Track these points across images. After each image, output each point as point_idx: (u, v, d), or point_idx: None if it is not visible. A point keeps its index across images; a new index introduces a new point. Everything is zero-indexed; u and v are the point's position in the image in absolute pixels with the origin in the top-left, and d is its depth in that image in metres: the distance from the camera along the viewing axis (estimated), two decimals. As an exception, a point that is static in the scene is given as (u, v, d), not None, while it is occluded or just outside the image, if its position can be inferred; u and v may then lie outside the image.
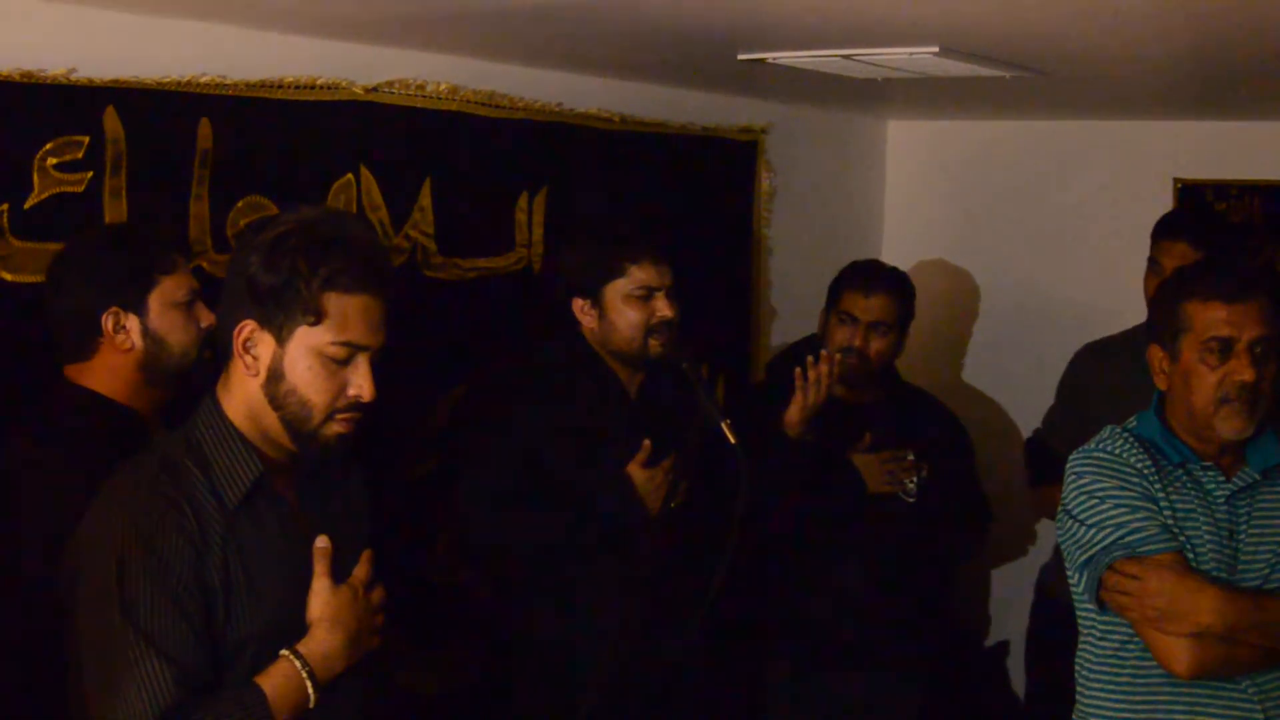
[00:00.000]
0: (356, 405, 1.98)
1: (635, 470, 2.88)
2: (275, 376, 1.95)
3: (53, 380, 2.38)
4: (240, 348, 1.95)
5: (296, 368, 1.94)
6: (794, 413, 3.19)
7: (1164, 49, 2.89)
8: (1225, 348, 2.37)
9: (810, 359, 3.20)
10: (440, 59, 3.27)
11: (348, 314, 1.94)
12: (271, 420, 1.97)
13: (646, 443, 2.87)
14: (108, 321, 2.32)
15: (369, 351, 1.97)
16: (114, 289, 2.32)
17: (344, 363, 1.96)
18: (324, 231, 1.94)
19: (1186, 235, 3.50)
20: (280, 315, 1.93)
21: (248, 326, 1.95)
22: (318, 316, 1.92)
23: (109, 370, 2.33)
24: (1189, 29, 2.62)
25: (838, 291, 3.57)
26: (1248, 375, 2.35)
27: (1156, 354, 2.47)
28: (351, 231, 1.99)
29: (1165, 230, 3.60)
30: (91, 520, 1.92)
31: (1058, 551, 3.82)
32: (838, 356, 3.27)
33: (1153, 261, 3.59)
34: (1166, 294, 2.49)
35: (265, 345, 1.95)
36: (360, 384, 1.96)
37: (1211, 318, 2.38)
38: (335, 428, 1.98)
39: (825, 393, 3.20)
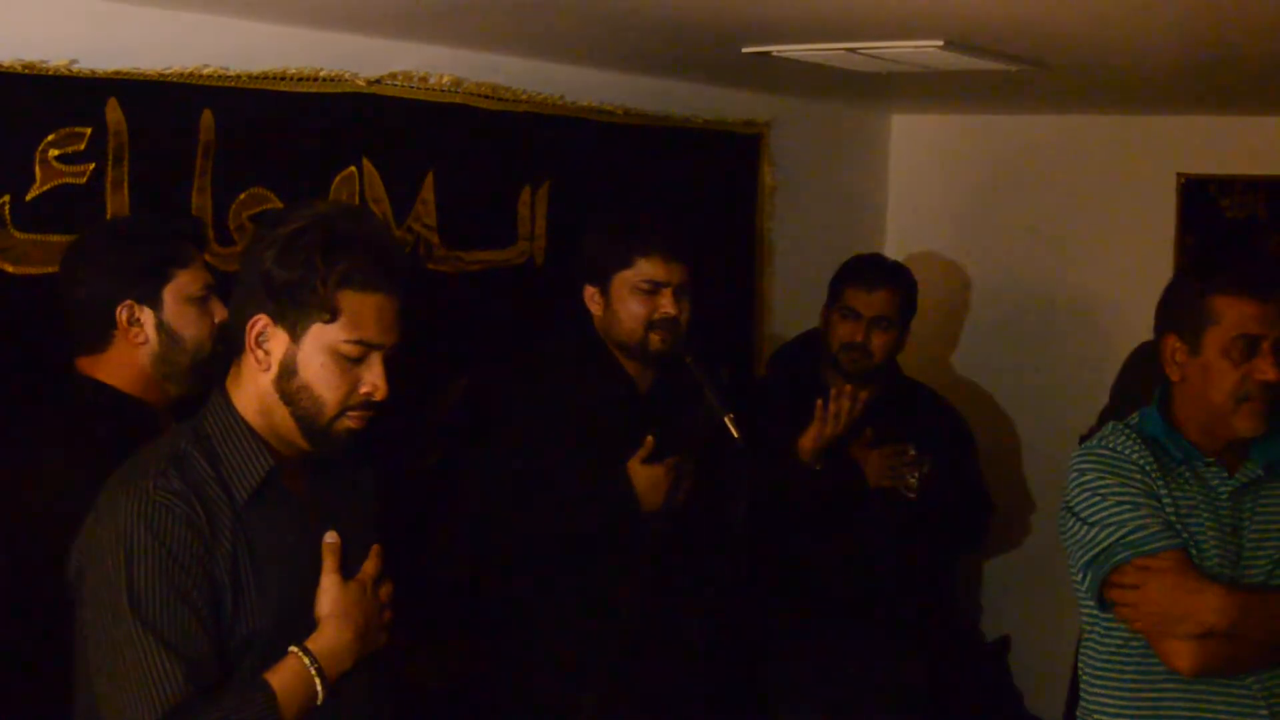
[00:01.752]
0: (369, 403, 1.97)
1: (635, 466, 2.87)
2: (288, 372, 1.94)
3: (59, 372, 2.37)
4: (252, 342, 1.95)
5: (310, 364, 1.93)
6: (809, 441, 3.22)
7: (1168, 43, 2.88)
8: (1251, 345, 2.34)
9: (834, 391, 3.20)
10: (443, 51, 3.26)
11: (362, 312, 1.93)
12: (283, 415, 1.96)
13: (649, 439, 2.87)
14: (122, 314, 2.30)
15: (383, 350, 1.97)
16: (129, 282, 2.31)
17: (357, 361, 1.95)
18: (341, 228, 1.94)
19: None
20: (295, 311, 1.92)
21: (260, 321, 1.94)
22: (333, 314, 1.91)
23: (122, 363, 2.32)
24: (1194, 23, 2.62)
25: (840, 286, 3.56)
26: (1271, 375, 2.32)
27: (1171, 344, 2.42)
28: (368, 229, 1.99)
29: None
30: (98, 514, 1.91)
31: None
32: (862, 395, 3.26)
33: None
34: (1188, 285, 2.44)
35: (278, 341, 1.94)
36: (373, 382, 1.96)
37: (1242, 313, 2.34)
38: (346, 423, 1.97)
39: (843, 428, 3.22)
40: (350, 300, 1.92)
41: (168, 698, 1.80)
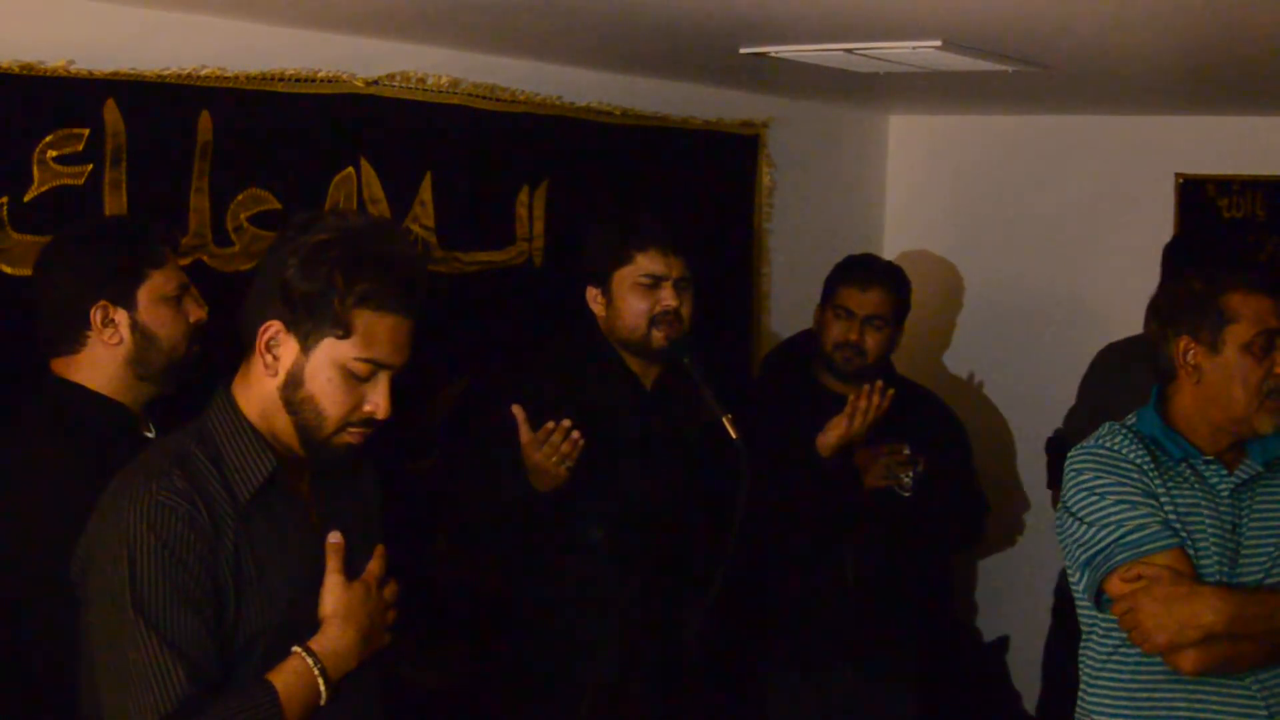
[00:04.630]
0: (370, 421, 1.97)
1: (525, 440, 2.79)
2: (294, 381, 1.94)
3: (42, 373, 2.36)
4: (263, 346, 1.94)
5: (317, 377, 1.93)
6: (833, 437, 3.23)
7: (1167, 44, 2.89)
8: (1270, 341, 2.36)
9: (866, 388, 3.20)
10: (441, 52, 3.26)
11: (376, 332, 1.92)
12: (284, 422, 1.96)
13: (516, 408, 2.79)
14: (96, 315, 2.29)
15: (391, 370, 1.97)
16: (102, 283, 2.29)
17: (364, 379, 1.95)
18: (367, 246, 1.93)
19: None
20: (309, 323, 1.91)
21: (273, 327, 1.93)
22: (346, 331, 1.91)
23: (96, 364, 2.31)
24: (1192, 24, 2.62)
25: (833, 286, 3.56)
26: None
27: (1184, 345, 2.42)
28: (394, 249, 1.98)
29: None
30: (102, 513, 1.91)
31: None
32: (891, 391, 3.25)
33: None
34: (1192, 285, 2.45)
35: (288, 348, 1.93)
36: (377, 401, 1.96)
37: (1260, 309, 2.37)
38: (345, 438, 1.97)
39: (869, 426, 3.21)
40: (366, 319, 1.91)
41: (170, 698, 1.80)
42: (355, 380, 1.94)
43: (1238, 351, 2.37)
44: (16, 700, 2.20)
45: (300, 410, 1.94)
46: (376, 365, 1.94)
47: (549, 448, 2.74)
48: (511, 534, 2.95)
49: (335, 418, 1.95)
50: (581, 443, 2.75)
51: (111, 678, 1.83)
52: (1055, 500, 3.82)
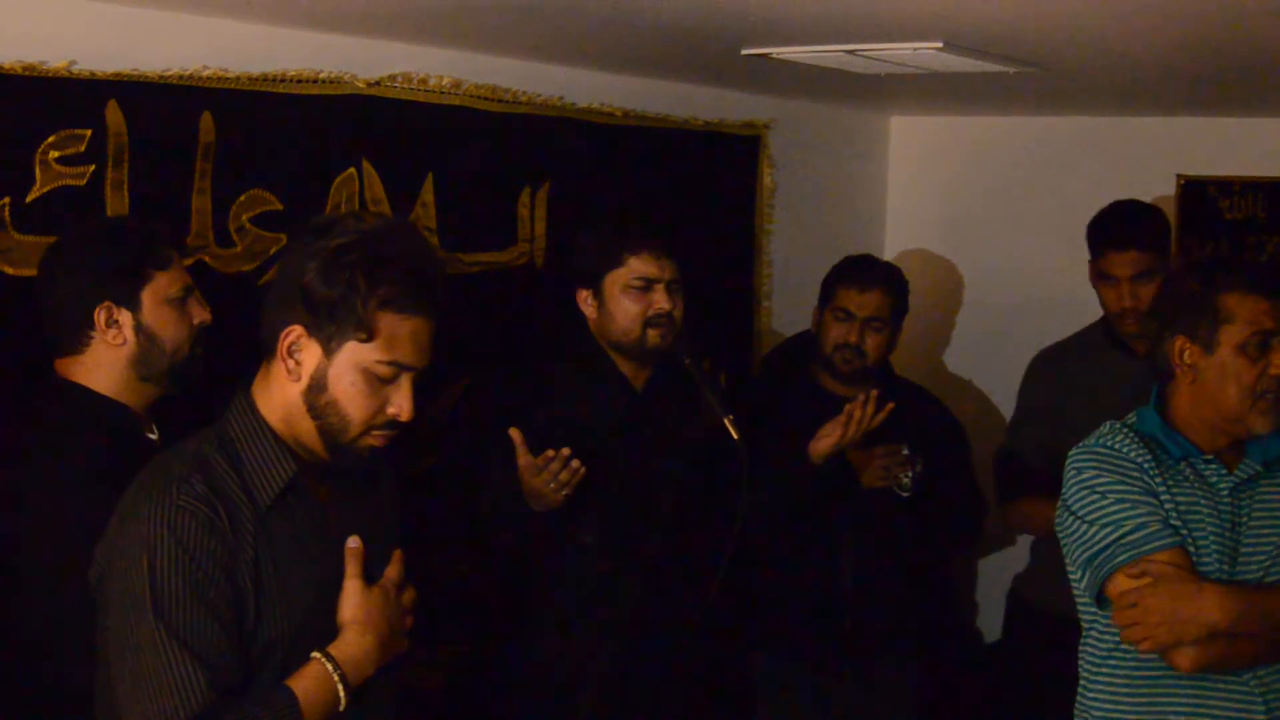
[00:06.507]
0: (393, 423, 1.97)
1: (522, 464, 2.79)
2: (318, 386, 1.93)
3: (43, 374, 2.36)
4: (284, 351, 1.94)
5: (340, 381, 1.93)
6: (826, 445, 3.19)
7: (1168, 45, 2.89)
8: (1265, 341, 2.36)
9: (862, 397, 3.19)
10: (443, 53, 3.27)
11: (399, 335, 1.92)
12: (307, 427, 1.96)
13: (513, 432, 2.79)
14: (100, 316, 2.29)
15: (414, 372, 1.96)
16: (107, 283, 2.30)
17: (387, 381, 1.95)
18: (387, 248, 1.92)
19: (1137, 245, 3.41)
20: (331, 327, 1.91)
21: (295, 331, 1.93)
22: (370, 334, 1.91)
23: (100, 365, 2.31)
24: (1193, 25, 2.62)
25: (832, 287, 3.56)
26: None
27: (1180, 345, 2.42)
28: (413, 250, 1.98)
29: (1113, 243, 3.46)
30: (122, 518, 1.90)
31: (1034, 556, 3.79)
32: (890, 405, 3.23)
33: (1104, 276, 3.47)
34: (1190, 285, 2.45)
35: (311, 353, 1.93)
36: (400, 404, 1.96)
37: (1255, 309, 2.37)
38: (369, 441, 1.97)
39: (861, 435, 3.20)
40: (389, 322, 1.91)
41: (191, 704, 1.79)
42: (378, 383, 1.94)
43: (1232, 351, 2.38)
44: (32, 705, 2.20)
45: (324, 414, 1.94)
46: (399, 368, 1.94)
47: (547, 474, 2.73)
48: (509, 543, 2.96)
49: (359, 421, 1.95)
50: (582, 471, 2.74)
51: (130, 684, 1.83)
52: (1005, 518, 3.77)
